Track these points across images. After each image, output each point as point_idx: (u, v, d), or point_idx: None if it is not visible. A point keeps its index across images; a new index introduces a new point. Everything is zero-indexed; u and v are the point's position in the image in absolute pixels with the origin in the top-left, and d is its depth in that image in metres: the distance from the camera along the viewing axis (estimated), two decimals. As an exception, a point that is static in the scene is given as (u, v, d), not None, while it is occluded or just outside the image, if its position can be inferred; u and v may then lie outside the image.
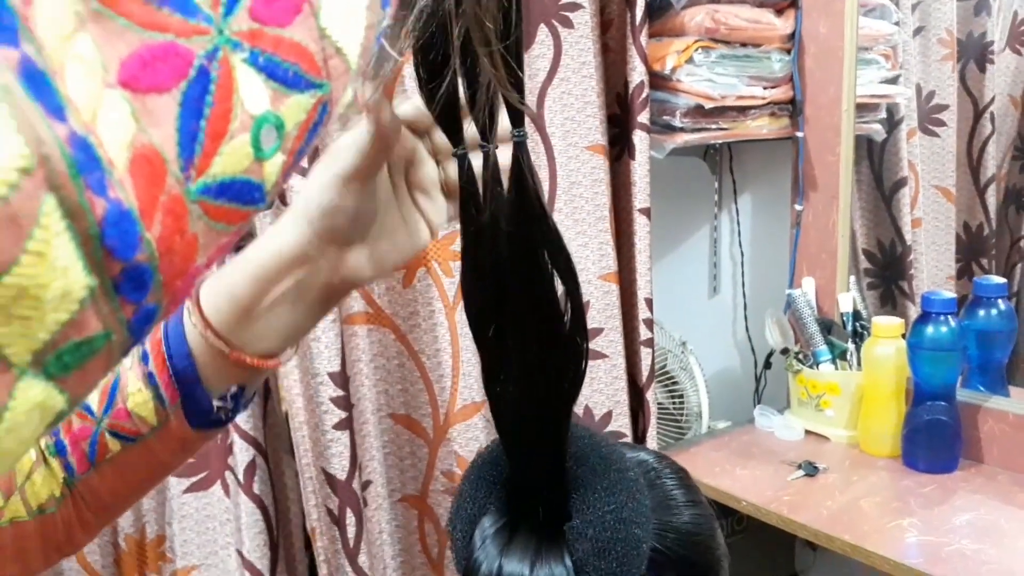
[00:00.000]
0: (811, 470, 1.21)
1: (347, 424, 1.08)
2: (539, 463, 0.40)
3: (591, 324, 1.24)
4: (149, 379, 0.43)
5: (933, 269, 1.46)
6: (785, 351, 1.40)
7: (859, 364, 1.31)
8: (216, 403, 0.44)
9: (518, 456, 0.41)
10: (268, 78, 0.20)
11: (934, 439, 1.18)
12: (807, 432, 1.35)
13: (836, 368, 1.34)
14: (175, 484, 1.09)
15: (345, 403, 1.08)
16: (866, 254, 1.50)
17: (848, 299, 1.38)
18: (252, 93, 0.20)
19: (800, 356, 1.37)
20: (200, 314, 0.42)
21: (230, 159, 0.20)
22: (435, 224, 0.47)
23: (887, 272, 1.48)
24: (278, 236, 0.43)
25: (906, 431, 1.21)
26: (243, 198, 0.21)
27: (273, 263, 0.42)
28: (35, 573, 0.46)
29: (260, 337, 0.43)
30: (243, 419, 1.07)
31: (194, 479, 1.10)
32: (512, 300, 0.37)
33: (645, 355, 1.29)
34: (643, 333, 1.28)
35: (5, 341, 0.17)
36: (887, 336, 1.23)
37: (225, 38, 0.20)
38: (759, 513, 1.13)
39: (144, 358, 0.43)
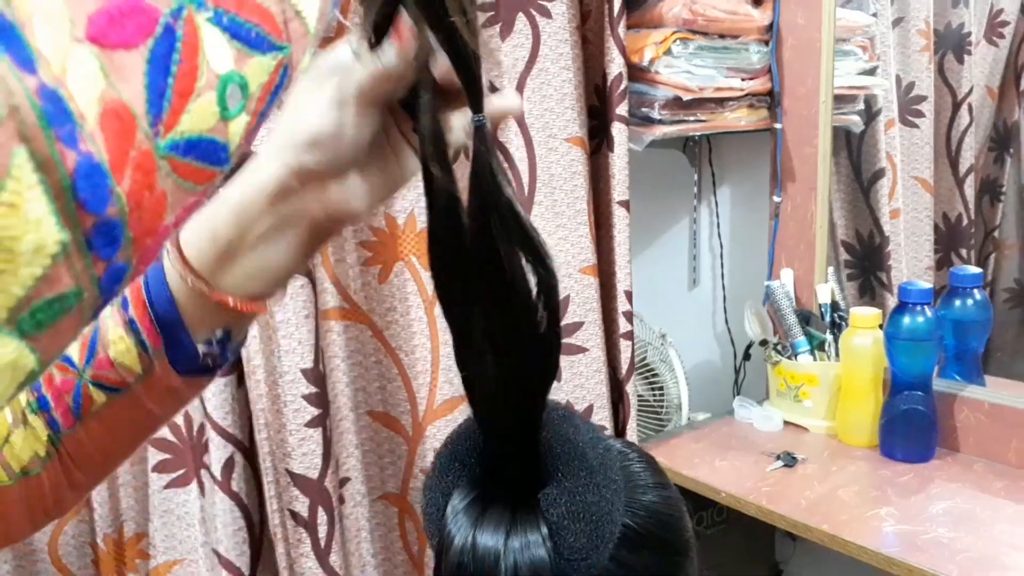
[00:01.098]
0: (790, 461, 1.21)
1: (320, 421, 1.06)
2: (512, 429, 0.39)
3: (571, 318, 1.23)
4: (130, 325, 0.41)
5: (911, 260, 1.47)
6: (764, 342, 1.40)
7: (837, 355, 1.32)
8: (202, 348, 0.42)
9: (490, 424, 0.40)
10: (232, 38, 0.20)
11: (911, 429, 1.19)
12: (786, 423, 1.36)
13: (814, 359, 1.34)
14: (155, 480, 1.08)
15: (318, 400, 1.06)
16: (844, 245, 1.50)
17: (826, 290, 1.38)
18: (217, 52, 0.20)
19: (779, 347, 1.38)
20: (179, 253, 0.40)
21: (197, 117, 0.20)
22: None
23: (865, 263, 1.49)
24: (259, 170, 0.40)
25: (883, 421, 1.21)
26: (210, 157, 0.21)
27: (254, 198, 0.40)
28: (19, 538, 0.45)
29: (244, 278, 0.41)
30: (221, 415, 1.06)
31: (173, 475, 1.08)
32: (477, 271, 0.37)
33: (625, 348, 1.28)
34: (623, 326, 1.28)
35: None
36: (865, 327, 1.23)
37: None
38: (739, 504, 1.13)
39: (124, 304, 0.42)
